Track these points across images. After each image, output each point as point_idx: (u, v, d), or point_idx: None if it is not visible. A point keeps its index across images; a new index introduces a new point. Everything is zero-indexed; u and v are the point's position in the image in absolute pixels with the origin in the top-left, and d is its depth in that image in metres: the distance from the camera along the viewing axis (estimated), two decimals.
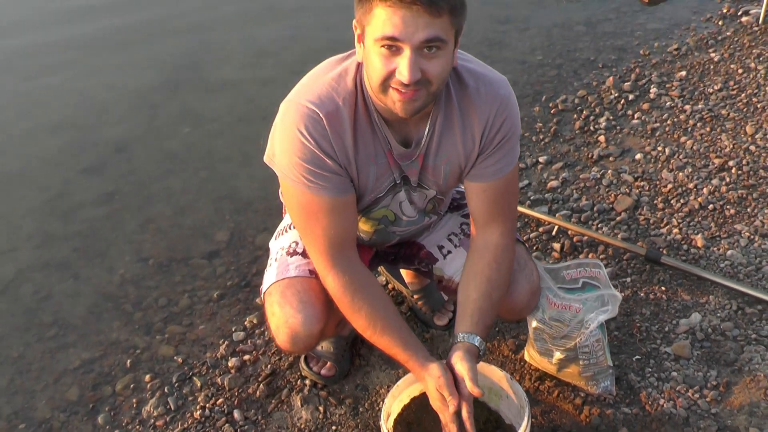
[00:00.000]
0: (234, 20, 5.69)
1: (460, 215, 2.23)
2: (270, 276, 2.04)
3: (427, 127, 1.78)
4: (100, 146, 4.03)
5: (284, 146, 1.72)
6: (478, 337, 1.81)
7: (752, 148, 3.35)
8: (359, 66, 1.72)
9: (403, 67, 1.52)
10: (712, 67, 4.23)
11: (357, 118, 1.72)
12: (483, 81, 1.78)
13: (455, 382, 1.76)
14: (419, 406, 1.98)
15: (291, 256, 2.04)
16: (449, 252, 2.17)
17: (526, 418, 1.79)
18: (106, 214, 3.45)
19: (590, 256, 2.79)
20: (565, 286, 2.22)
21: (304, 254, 2.02)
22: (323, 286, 1.88)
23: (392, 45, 1.51)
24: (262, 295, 2.08)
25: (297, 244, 2.07)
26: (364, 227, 2.05)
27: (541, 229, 2.97)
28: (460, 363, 1.75)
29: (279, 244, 2.14)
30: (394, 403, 1.97)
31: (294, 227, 2.11)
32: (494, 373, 2.00)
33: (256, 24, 5.58)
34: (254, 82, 4.64)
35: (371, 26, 1.54)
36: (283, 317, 1.92)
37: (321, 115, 1.67)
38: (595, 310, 2.13)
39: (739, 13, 4.93)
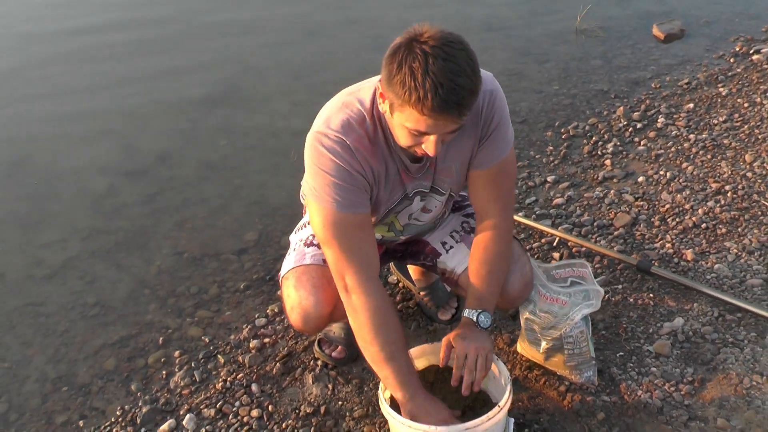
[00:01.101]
0: (272, 45, 6.01)
1: (461, 215, 2.46)
2: (288, 263, 2.28)
3: None
4: (143, 154, 4.34)
5: (317, 169, 1.89)
6: (475, 311, 2.07)
7: (749, 174, 3.55)
8: (373, 101, 1.92)
9: (429, 147, 1.76)
10: (719, 100, 4.43)
11: (376, 141, 1.93)
12: None
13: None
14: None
15: (308, 247, 2.28)
16: (451, 247, 2.39)
17: (507, 394, 2.00)
18: (147, 213, 3.75)
19: None
20: (555, 285, 2.46)
21: (319, 246, 2.21)
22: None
23: (421, 133, 1.74)
24: (279, 280, 2.31)
25: (314, 237, 2.29)
26: (376, 232, 2.26)
27: (543, 240, 3.20)
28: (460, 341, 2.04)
29: (298, 236, 2.38)
30: None
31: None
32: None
33: (292, 49, 5.89)
34: (287, 102, 4.94)
35: (402, 115, 1.72)
36: (297, 299, 2.16)
37: (347, 141, 1.87)
38: (579, 304, 2.36)
39: (751, 52, 5.12)
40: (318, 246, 2.25)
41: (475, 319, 2.08)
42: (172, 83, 5.35)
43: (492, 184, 2.11)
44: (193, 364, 2.72)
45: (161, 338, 2.89)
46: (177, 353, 2.79)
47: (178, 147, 4.41)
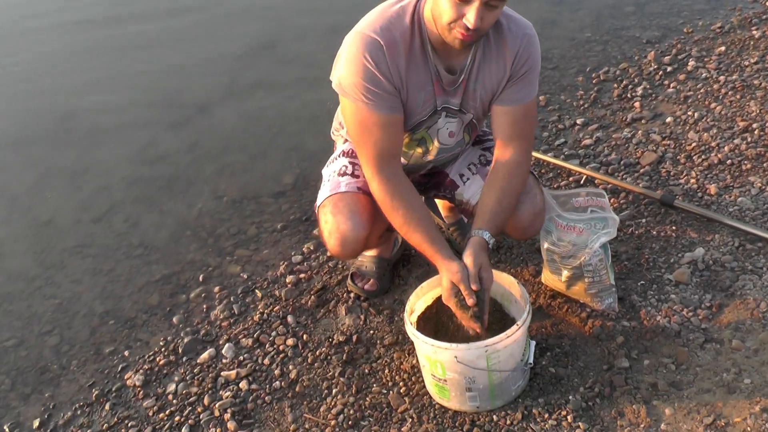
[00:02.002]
0: (308, 4, 6.10)
1: (480, 148, 2.55)
2: (324, 192, 2.39)
3: (469, 58, 2.14)
4: (185, 106, 4.48)
5: (349, 68, 2.05)
6: (488, 232, 2.14)
7: None
8: (415, 6, 2.06)
9: (471, 15, 1.86)
10: (752, 43, 4.40)
11: (412, 49, 2.07)
12: (514, 21, 2.15)
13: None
14: (440, 305, 2.28)
15: (342, 176, 2.39)
16: (468, 179, 2.50)
17: (525, 313, 2.10)
18: (188, 160, 3.90)
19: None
20: (573, 214, 2.54)
21: (353, 174, 2.37)
22: (370, 193, 2.21)
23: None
24: (316, 210, 2.43)
25: (346, 167, 2.41)
26: (404, 149, 2.36)
27: (570, 179, 3.27)
28: (468, 258, 2.08)
29: (331, 168, 2.49)
30: (418, 302, 2.30)
31: (348, 142, 2.50)
32: (505, 280, 2.32)
33: (326, 8, 5.96)
34: (324, 54, 4.94)
35: None
36: (335, 224, 2.28)
37: (382, 43, 2.02)
38: (598, 232, 2.44)
39: None
40: (351, 174, 2.38)
41: (486, 239, 2.15)
42: (210, 40, 5.49)
43: (517, 124, 2.22)
44: (232, 299, 2.87)
45: (202, 275, 3.04)
46: (217, 289, 2.94)
47: (218, 99, 4.54)
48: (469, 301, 2.04)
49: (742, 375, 2.20)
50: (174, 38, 5.61)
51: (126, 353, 2.70)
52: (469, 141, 2.46)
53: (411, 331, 2.13)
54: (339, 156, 2.52)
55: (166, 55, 5.31)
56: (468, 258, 2.09)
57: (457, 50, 2.07)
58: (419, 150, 2.39)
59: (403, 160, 2.36)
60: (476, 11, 1.85)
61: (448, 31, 1.94)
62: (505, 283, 2.33)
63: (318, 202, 2.42)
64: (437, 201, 2.92)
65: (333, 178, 2.42)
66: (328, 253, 2.63)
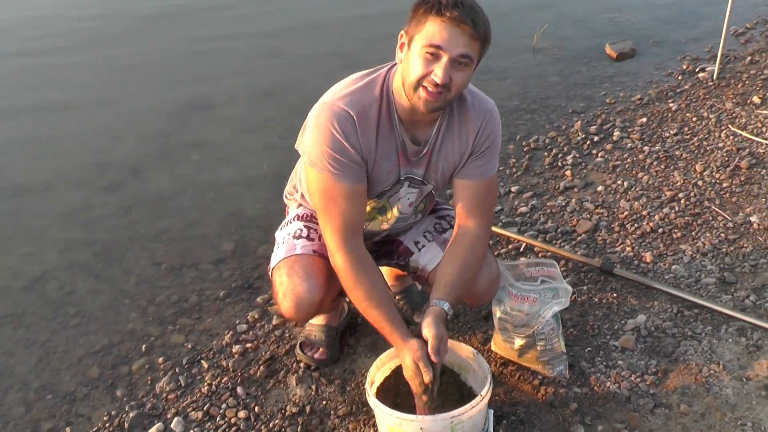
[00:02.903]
0: (241, 63, 6.11)
1: (434, 216, 2.59)
2: (278, 254, 2.39)
3: (434, 130, 2.19)
4: (117, 168, 4.37)
5: (317, 137, 2.08)
6: (447, 303, 2.16)
7: (700, 183, 3.75)
8: (385, 78, 2.13)
9: (438, 70, 1.93)
10: (670, 115, 4.65)
11: (380, 119, 2.11)
12: (477, 98, 2.24)
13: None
14: (398, 376, 2.29)
15: (297, 239, 2.39)
16: (423, 246, 2.52)
17: (487, 385, 2.13)
18: (124, 225, 3.79)
19: None
20: (525, 284, 2.60)
21: (308, 237, 2.38)
22: (328, 263, 2.22)
23: (435, 53, 1.92)
24: (269, 273, 2.42)
25: (301, 230, 2.42)
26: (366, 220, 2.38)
27: (510, 246, 3.34)
28: (427, 328, 2.09)
29: (285, 231, 2.49)
30: (377, 373, 2.31)
31: (303, 206, 2.53)
32: (463, 350, 2.35)
33: (259, 69, 5.99)
34: (256, 117, 5.03)
35: (420, 35, 1.94)
36: (290, 285, 2.27)
37: (352, 114, 2.06)
38: (549, 302, 2.50)
39: (697, 70, 5.37)
40: (307, 238, 2.39)
41: (446, 309, 2.17)
42: (140, 100, 5.40)
43: (479, 199, 2.29)
44: (177, 370, 2.78)
45: (144, 346, 2.94)
46: (161, 359, 2.85)
47: (151, 161, 4.45)
48: (426, 379, 2.06)
49: None
50: (103, 97, 5.50)
51: (67, 429, 2.57)
52: (424, 211, 2.51)
53: (374, 403, 2.13)
54: (293, 219, 2.52)
55: (95, 114, 5.19)
56: (428, 329, 2.09)
57: (423, 121, 2.14)
58: (378, 218, 2.42)
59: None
60: (444, 67, 1.92)
61: (414, 91, 1.99)
62: (463, 352, 2.35)
63: (272, 264, 2.41)
64: (383, 269, 2.93)
65: (288, 241, 2.42)
66: (281, 315, 2.60)
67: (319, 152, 2.08)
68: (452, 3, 1.89)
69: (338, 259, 2.16)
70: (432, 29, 1.91)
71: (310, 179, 2.19)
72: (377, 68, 2.19)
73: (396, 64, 2.11)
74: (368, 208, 2.34)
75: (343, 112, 2.06)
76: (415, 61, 1.95)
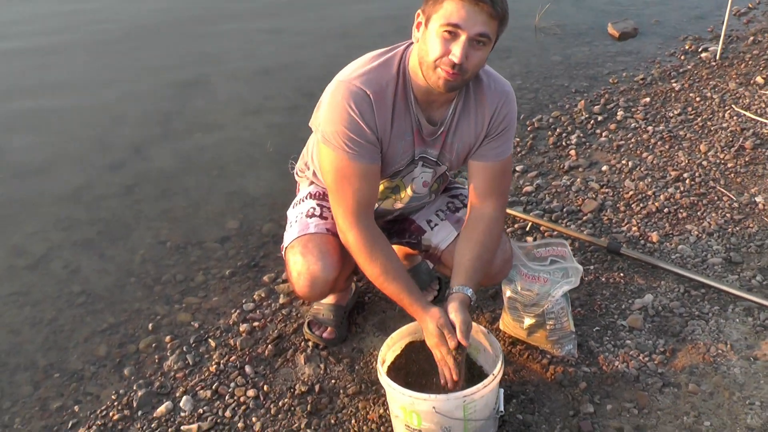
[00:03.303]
0: (242, 43, 6.06)
1: (447, 196, 2.59)
2: (291, 233, 2.38)
3: (450, 110, 2.18)
4: (120, 147, 4.34)
5: (332, 116, 2.06)
6: (470, 289, 2.17)
7: (704, 163, 3.76)
8: (401, 57, 2.10)
9: (456, 49, 1.90)
10: (673, 95, 4.64)
11: (396, 99, 2.09)
12: (493, 78, 2.21)
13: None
14: (409, 355, 2.32)
15: (310, 218, 2.39)
16: (436, 224, 2.51)
17: (499, 364, 2.13)
18: (127, 204, 3.77)
19: None
20: (536, 263, 2.60)
21: (321, 216, 2.38)
22: (341, 241, 2.21)
23: (453, 31, 1.89)
24: (283, 251, 2.42)
25: (314, 209, 2.42)
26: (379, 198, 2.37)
27: (516, 226, 3.34)
28: (454, 313, 2.09)
29: (298, 210, 2.48)
30: (388, 352, 2.30)
31: (314, 183, 2.52)
32: (474, 329, 2.34)
33: (261, 46, 5.96)
34: (259, 96, 5.00)
35: (438, 14, 1.90)
36: (305, 264, 2.27)
37: (368, 93, 2.04)
38: (559, 281, 2.50)
39: (699, 50, 5.36)
40: (320, 216, 2.38)
41: (469, 294, 2.18)
42: (141, 79, 5.36)
43: (494, 180, 2.28)
44: (184, 348, 2.78)
45: (150, 324, 2.93)
46: (168, 338, 2.84)
47: (154, 140, 4.43)
48: (452, 343, 2.06)
49: (701, 418, 2.30)
50: (104, 77, 5.45)
51: (76, 408, 2.56)
52: (437, 191, 2.49)
53: (386, 382, 2.12)
54: (306, 198, 2.51)
55: (96, 94, 5.15)
56: (454, 314, 2.10)
57: (439, 101, 2.12)
58: (392, 197, 2.40)
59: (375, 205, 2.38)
60: (462, 46, 1.90)
61: (433, 70, 1.97)
62: (474, 332, 2.35)
63: (285, 243, 2.41)
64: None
65: (301, 219, 2.41)
66: (295, 294, 2.58)
67: (334, 131, 2.07)
68: None
69: (351, 237, 2.16)
70: (450, 8, 1.88)
71: (323, 157, 2.17)
72: (393, 47, 2.16)
73: (412, 43, 2.09)
74: (381, 188, 2.32)
75: (360, 90, 2.04)
76: (433, 40, 1.93)
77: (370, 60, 2.13)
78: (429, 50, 1.95)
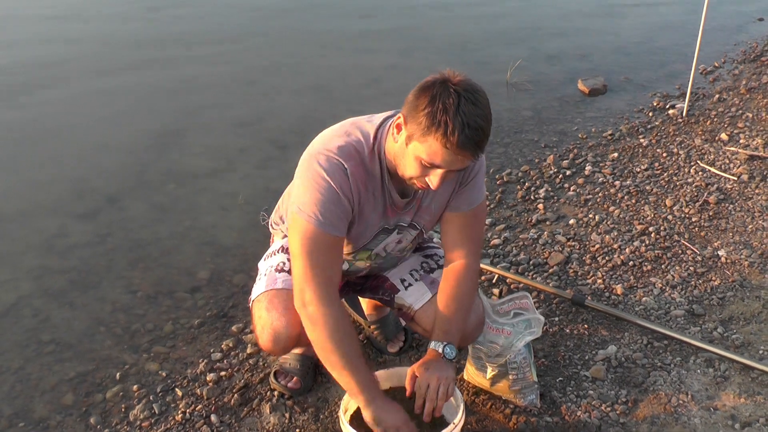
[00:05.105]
0: (216, 93, 6.15)
1: (421, 255, 2.60)
2: (259, 287, 2.39)
3: None
4: (94, 197, 4.36)
5: (308, 185, 2.04)
6: (441, 343, 2.22)
7: (670, 217, 3.85)
8: (377, 135, 2.09)
9: (434, 180, 1.94)
10: (640, 150, 4.76)
11: (372, 175, 2.10)
12: None
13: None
14: None
15: (279, 273, 2.39)
16: (410, 284, 2.52)
17: (460, 413, 2.17)
18: (99, 253, 3.78)
19: None
20: (500, 318, 2.63)
21: (289, 272, 2.36)
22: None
23: (432, 167, 1.91)
24: (250, 304, 2.42)
25: (284, 263, 2.41)
26: (350, 257, 2.38)
27: (483, 278, 3.38)
28: (423, 379, 2.17)
29: (268, 263, 2.49)
30: (351, 401, 2.30)
31: (289, 259, 2.42)
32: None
33: (236, 98, 6.04)
34: (233, 147, 5.07)
35: (420, 146, 1.88)
36: (269, 320, 2.29)
37: (346, 165, 2.03)
38: (522, 332, 2.54)
39: (667, 107, 5.53)
40: (288, 272, 2.37)
41: (441, 350, 2.22)
42: (117, 128, 5.41)
43: (467, 227, 2.31)
44: (151, 398, 2.77)
45: (118, 373, 2.93)
46: (135, 387, 2.84)
47: (128, 190, 4.46)
48: None
49: None
50: (79, 126, 5.50)
51: None
52: (411, 249, 2.52)
53: (347, 430, 2.14)
54: (278, 251, 2.52)
55: (71, 141, 5.20)
56: (423, 379, 2.17)
57: None
58: (364, 256, 2.41)
59: (344, 265, 2.38)
60: (440, 178, 1.92)
61: (407, 180, 2.01)
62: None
63: (253, 296, 2.42)
64: (363, 301, 2.96)
65: (270, 274, 2.42)
66: (260, 348, 2.61)
67: (310, 200, 2.04)
68: (459, 127, 1.80)
69: (320, 315, 2.08)
70: (434, 148, 1.86)
71: (292, 228, 2.12)
72: (367, 120, 2.15)
73: (387, 117, 2.11)
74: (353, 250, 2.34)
75: (338, 161, 2.03)
76: (411, 162, 1.94)
77: (344, 133, 2.10)
78: (406, 167, 1.97)
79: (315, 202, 2.03)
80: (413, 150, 1.91)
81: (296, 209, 2.07)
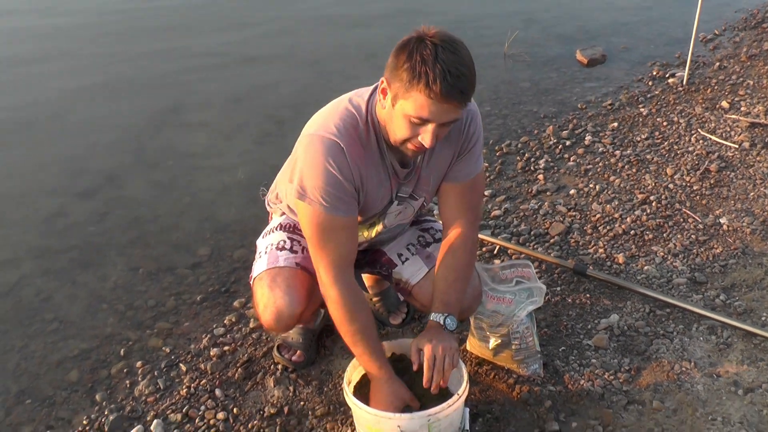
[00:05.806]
0: (213, 69, 6.13)
1: (418, 229, 2.60)
2: (260, 265, 2.39)
3: None
4: (93, 175, 4.37)
5: (309, 172, 2.02)
6: (441, 315, 2.21)
7: (671, 186, 3.84)
8: (368, 106, 2.07)
9: (426, 137, 1.90)
10: (640, 119, 4.74)
11: (369, 149, 2.08)
12: None
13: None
14: None
15: (280, 251, 2.39)
16: (407, 259, 2.52)
17: (464, 384, 2.17)
18: (100, 231, 3.79)
19: None
20: (501, 285, 2.64)
21: (291, 250, 2.39)
22: (311, 276, 2.25)
23: (421, 123, 1.89)
24: (251, 282, 2.43)
25: (284, 242, 2.42)
26: None
27: (484, 249, 3.38)
28: (427, 350, 2.15)
29: (268, 240, 2.48)
30: (354, 372, 2.33)
31: (286, 215, 2.51)
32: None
33: (234, 74, 6.02)
34: (231, 123, 5.05)
35: (406, 102, 1.85)
36: (272, 298, 2.29)
37: (342, 145, 2.00)
38: (524, 302, 2.54)
39: (667, 76, 5.49)
40: (290, 250, 2.39)
41: (441, 322, 2.21)
42: (114, 106, 5.40)
43: (465, 197, 2.29)
44: (155, 373, 2.79)
45: (122, 350, 2.95)
46: (139, 363, 2.86)
47: (126, 168, 4.46)
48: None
49: None
50: (77, 105, 5.49)
51: None
52: (409, 222, 2.51)
53: (352, 400, 2.15)
54: (276, 229, 2.52)
55: (69, 122, 5.19)
56: (427, 350, 2.15)
57: None
58: (364, 233, 2.41)
59: None
60: (431, 134, 1.89)
61: (400, 144, 1.98)
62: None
63: (254, 274, 2.42)
64: (363, 275, 2.95)
65: (271, 252, 2.42)
66: (262, 325, 2.61)
67: (313, 186, 2.02)
68: (440, 75, 1.78)
69: (332, 293, 2.12)
70: (419, 102, 1.84)
71: (301, 213, 2.13)
72: (357, 94, 2.13)
73: (375, 88, 2.07)
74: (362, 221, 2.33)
75: (334, 143, 2.00)
76: (400, 123, 1.92)
77: (337, 112, 2.08)
78: (396, 130, 1.95)
79: (316, 186, 2.02)
80: (400, 109, 1.89)
81: (298, 194, 2.06)
